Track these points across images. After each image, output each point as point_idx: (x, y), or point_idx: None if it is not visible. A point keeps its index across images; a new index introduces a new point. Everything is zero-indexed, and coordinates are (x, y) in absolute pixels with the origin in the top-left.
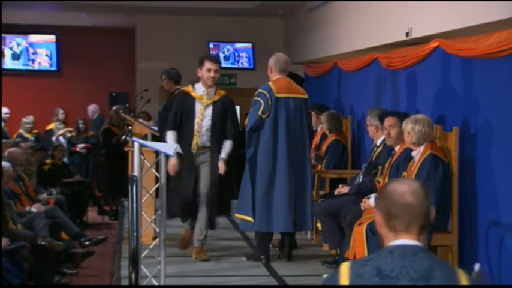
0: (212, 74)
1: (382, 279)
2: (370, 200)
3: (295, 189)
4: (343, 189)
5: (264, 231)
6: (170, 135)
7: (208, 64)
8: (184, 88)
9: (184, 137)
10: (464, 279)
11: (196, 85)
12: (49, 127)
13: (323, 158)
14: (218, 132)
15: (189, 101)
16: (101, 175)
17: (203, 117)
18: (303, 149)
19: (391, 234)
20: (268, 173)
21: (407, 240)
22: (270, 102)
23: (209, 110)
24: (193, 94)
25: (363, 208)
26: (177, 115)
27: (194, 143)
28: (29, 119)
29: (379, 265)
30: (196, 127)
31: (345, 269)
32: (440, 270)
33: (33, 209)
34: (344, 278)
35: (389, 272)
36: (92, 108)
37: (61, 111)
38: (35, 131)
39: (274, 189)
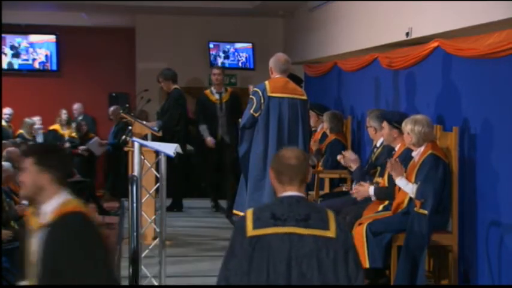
0: None
1: (275, 221)
2: (370, 189)
3: None
4: (349, 161)
5: None
6: None
7: None
8: None
9: None
10: (331, 217)
11: None
12: (52, 127)
13: (322, 154)
14: None
15: None
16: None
17: None
18: None
19: (280, 186)
20: (258, 172)
21: (291, 192)
22: (262, 101)
23: None
24: None
25: (356, 194)
26: None
27: None
28: (33, 120)
29: (273, 210)
30: None
31: (249, 213)
32: (315, 214)
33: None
34: (249, 220)
35: (280, 216)
36: (76, 107)
37: (64, 112)
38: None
39: (263, 188)
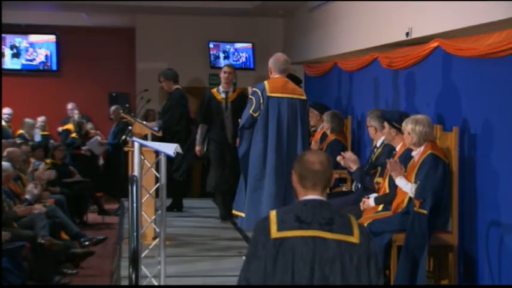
0: None
1: (300, 224)
2: (370, 200)
3: (284, 189)
4: (350, 162)
5: (250, 229)
6: None
7: None
8: None
9: None
10: (354, 222)
11: None
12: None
13: None
14: None
15: None
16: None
17: None
18: (295, 150)
19: (302, 190)
20: (257, 172)
21: (314, 196)
22: (261, 101)
23: None
24: None
25: (362, 208)
26: None
27: None
28: (33, 120)
29: (297, 213)
30: None
31: (273, 214)
32: (339, 218)
33: (35, 211)
34: (273, 222)
35: (304, 218)
36: (71, 107)
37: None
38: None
39: (262, 188)
